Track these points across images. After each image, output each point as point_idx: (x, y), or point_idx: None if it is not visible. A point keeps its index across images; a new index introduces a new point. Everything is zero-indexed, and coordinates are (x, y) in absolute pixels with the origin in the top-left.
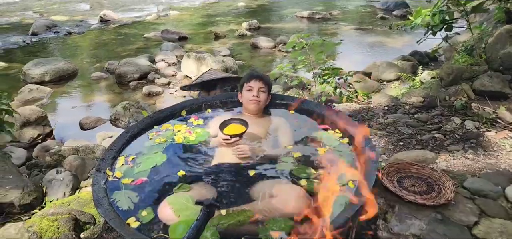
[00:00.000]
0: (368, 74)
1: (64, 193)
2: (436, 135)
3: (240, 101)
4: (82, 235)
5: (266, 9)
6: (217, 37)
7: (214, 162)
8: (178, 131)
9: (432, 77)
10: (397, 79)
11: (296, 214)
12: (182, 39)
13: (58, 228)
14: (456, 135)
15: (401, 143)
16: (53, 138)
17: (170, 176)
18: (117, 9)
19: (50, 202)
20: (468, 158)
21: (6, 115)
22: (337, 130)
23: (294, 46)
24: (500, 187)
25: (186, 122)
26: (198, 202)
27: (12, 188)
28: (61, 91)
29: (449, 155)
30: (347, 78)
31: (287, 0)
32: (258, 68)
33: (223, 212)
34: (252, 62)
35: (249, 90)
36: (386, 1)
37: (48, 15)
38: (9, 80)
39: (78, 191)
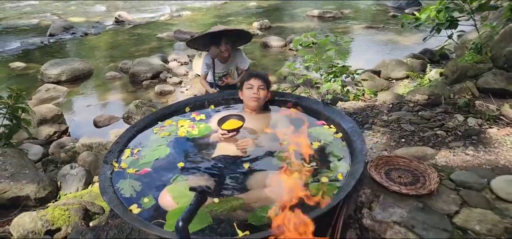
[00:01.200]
0: (378, 73)
1: (77, 187)
2: (438, 132)
3: (241, 98)
4: (91, 224)
5: (277, 9)
6: None
7: (214, 155)
8: (182, 126)
9: (440, 75)
10: (406, 77)
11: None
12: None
13: (69, 217)
14: (458, 132)
15: (403, 140)
16: (69, 135)
17: (171, 167)
18: (131, 10)
19: (64, 195)
20: (468, 154)
21: (24, 114)
22: (332, 126)
23: (301, 44)
24: (485, 179)
25: (190, 117)
26: (191, 189)
27: (28, 182)
28: (76, 91)
29: (449, 151)
30: (354, 77)
31: (299, 0)
32: (268, 67)
33: (216, 200)
34: (262, 61)
35: (249, 88)
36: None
37: (65, 16)
38: (27, 80)
39: (90, 185)
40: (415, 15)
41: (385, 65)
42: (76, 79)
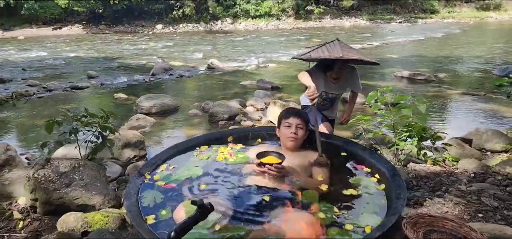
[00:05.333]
0: (469, 142)
1: None
2: None
3: (278, 136)
4: None
5: (362, 67)
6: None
7: (243, 184)
8: (221, 152)
9: None
10: (505, 151)
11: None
12: (275, 89)
13: (106, 223)
14: None
15: (480, 215)
16: (145, 160)
17: (197, 186)
18: (223, 59)
19: None
20: None
21: (110, 134)
22: (377, 175)
23: (376, 100)
24: None
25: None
26: (193, 202)
27: (96, 193)
28: (162, 122)
29: None
30: (435, 141)
31: (392, 59)
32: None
33: (218, 227)
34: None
35: (288, 127)
36: (506, 66)
37: (168, 60)
38: (124, 109)
39: None
40: None
41: (479, 134)
42: (164, 113)
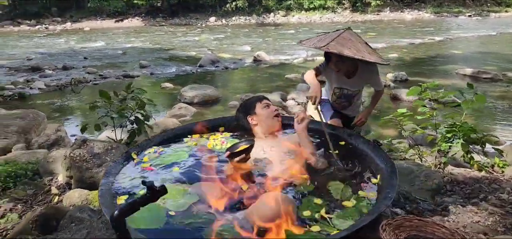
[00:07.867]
0: None
1: None
2: None
3: (253, 125)
4: None
5: (421, 63)
6: None
7: (227, 172)
8: (214, 139)
9: None
10: None
11: (272, 217)
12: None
13: None
14: None
15: None
16: None
17: (174, 171)
18: (271, 52)
19: None
20: None
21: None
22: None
23: (420, 96)
24: None
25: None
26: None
27: None
28: (202, 112)
29: None
30: (484, 144)
31: (455, 55)
32: (391, 120)
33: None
34: (386, 113)
35: (267, 106)
36: None
37: (216, 52)
38: (170, 98)
39: None
40: None
41: None
42: (205, 103)
